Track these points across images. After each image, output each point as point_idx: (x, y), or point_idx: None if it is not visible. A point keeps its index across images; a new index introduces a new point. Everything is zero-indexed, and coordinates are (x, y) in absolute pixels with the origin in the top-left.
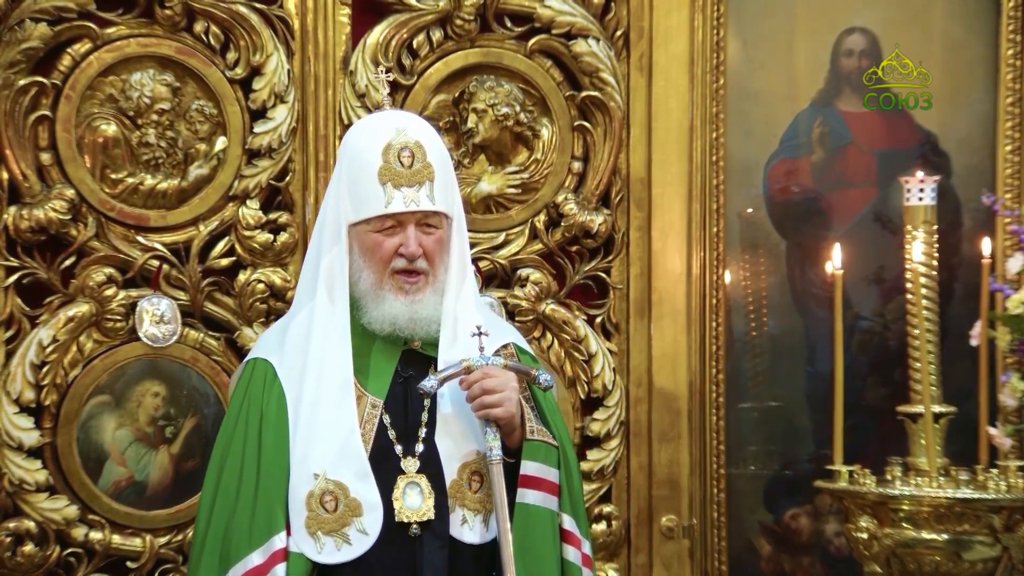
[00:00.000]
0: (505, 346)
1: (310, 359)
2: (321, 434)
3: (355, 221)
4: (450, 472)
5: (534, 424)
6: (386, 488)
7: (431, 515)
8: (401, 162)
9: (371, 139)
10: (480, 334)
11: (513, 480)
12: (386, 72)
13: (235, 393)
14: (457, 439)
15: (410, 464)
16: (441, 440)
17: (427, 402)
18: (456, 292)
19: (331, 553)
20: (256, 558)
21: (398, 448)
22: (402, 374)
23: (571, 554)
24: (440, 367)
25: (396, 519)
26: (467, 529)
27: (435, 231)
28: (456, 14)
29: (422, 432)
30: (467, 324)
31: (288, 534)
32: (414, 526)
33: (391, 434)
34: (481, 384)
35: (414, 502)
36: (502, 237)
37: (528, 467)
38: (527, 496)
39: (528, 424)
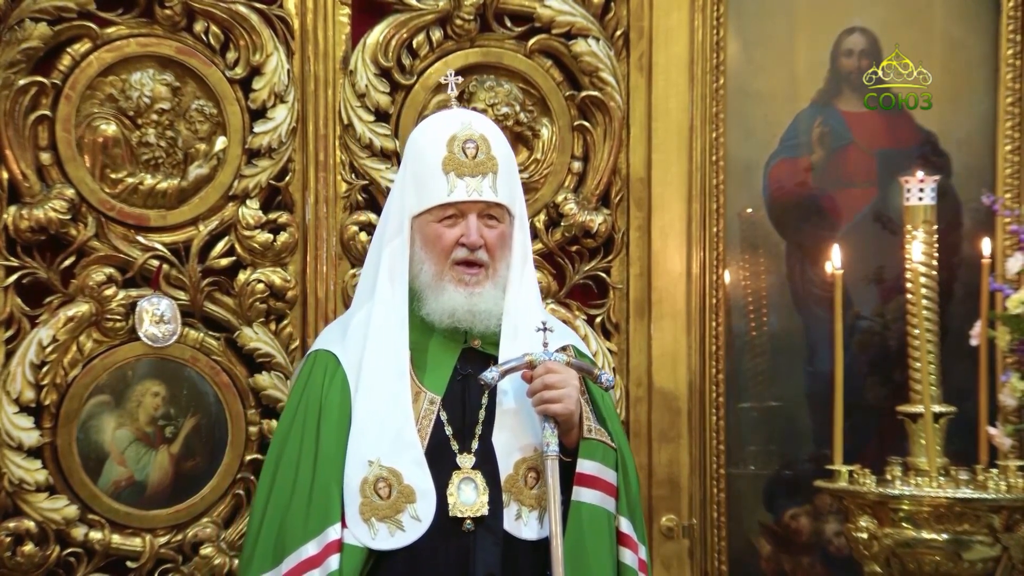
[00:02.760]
0: (565, 348)
1: (368, 349)
2: (376, 422)
3: (418, 212)
4: (506, 467)
5: (592, 424)
6: (441, 483)
7: (485, 511)
8: (465, 152)
9: (437, 131)
10: (545, 329)
11: (570, 479)
12: (454, 74)
13: (295, 386)
14: (516, 434)
15: (466, 460)
16: (498, 436)
17: (485, 400)
18: (517, 289)
19: (384, 539)
20: (311, 548)
21: (454, 444)
22: (461, 371)
23: (628, 557)
24: (501, 361)
25: (450, 514)
26: (522, 525)
27: (497, 225)
28: (456, 14)
29: (479, 429)
30: (529, 321)
31: (343, 526)
32: (467, 522)
33: (448, 430)
34: (542, 379)
35: (468, 497)
36: None
37: (585, 466)
38: (583, 495)
39: (586, 423)
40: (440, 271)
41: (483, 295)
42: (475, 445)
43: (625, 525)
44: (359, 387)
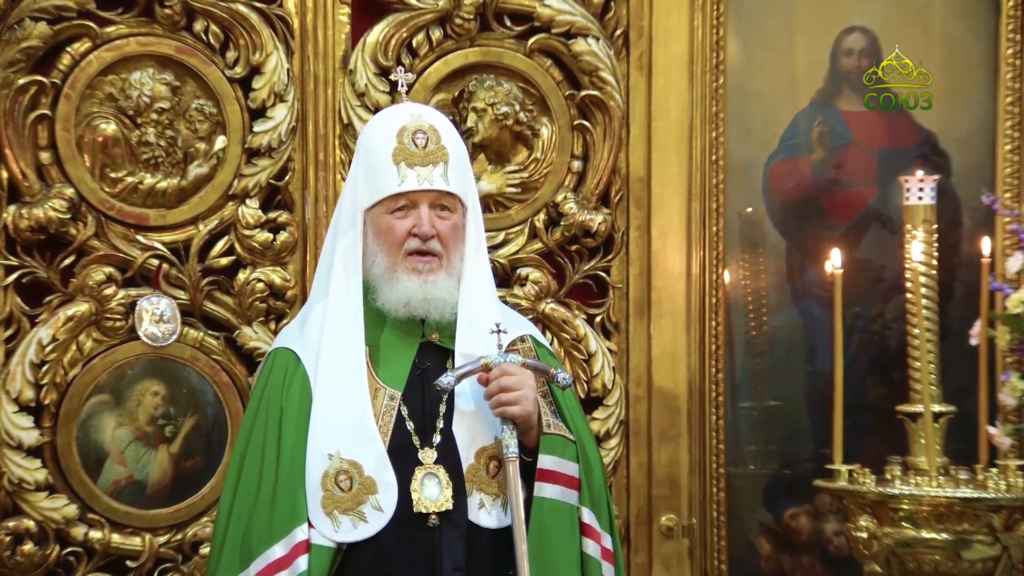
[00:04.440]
0: (523, 340)
1: (324, 343)
2: (335, 414)
3: (369, 205)
4: (467, 457)
5: (550, 419)
6: (404, 479)
7: (449, 506)
8: (415, 143)
9: (387, 124)
10: (499, 331)
11: (531, 478)
12: (404, 71)
13: (256, 385)
14: (476, 424)
15: (427, 455)
16: (459, 426)
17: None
18: (472, 282)
19: (348, 532)
20: (278, 550)
21: (416, 440)
22: (419, 366)
23: (590, 548)
24: (458, 363)
25: (414, 510)
26: (484, 513)
27: (450, 216)
28: (456, 13)
29: (440, 423)
30: (484, 318)
31: (310, 526)
32: (432, 517)
33: (409, 426)
34: (499, 382)
35: (432, 493)
36: (502, 236)
37: (545, 461)
38: (544, 490)
39: (544, 419)
40: (393, 262)
41: (437, 284)
42: (436, 439)
43: (587, 516)
44: (317, 382)
